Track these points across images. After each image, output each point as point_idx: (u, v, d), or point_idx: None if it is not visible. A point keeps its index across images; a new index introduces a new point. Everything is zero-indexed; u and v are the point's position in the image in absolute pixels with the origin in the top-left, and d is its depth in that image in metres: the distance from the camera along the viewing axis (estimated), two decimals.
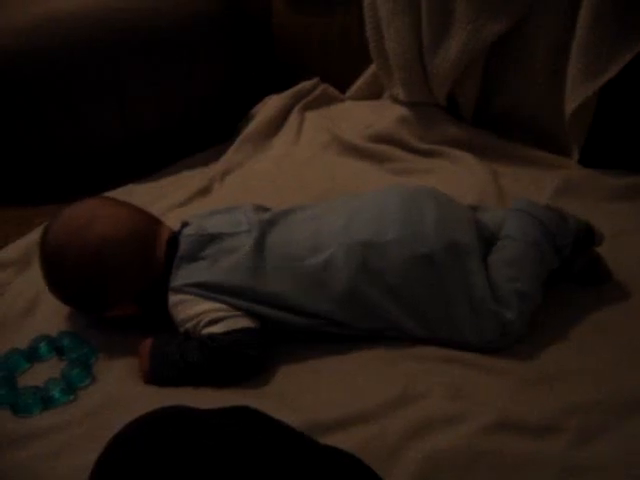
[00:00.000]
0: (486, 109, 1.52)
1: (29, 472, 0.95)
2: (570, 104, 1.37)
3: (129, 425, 0.80)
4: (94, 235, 1.08)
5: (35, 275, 1.22)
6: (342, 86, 1.69)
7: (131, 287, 1.09)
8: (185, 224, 1.14)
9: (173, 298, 1.07)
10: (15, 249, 1.35)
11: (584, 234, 1.13)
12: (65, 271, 1.10)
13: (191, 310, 1.05)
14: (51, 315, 1.17)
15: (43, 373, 1.09)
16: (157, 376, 1.04)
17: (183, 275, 1.07)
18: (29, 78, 1.50)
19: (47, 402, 1.04)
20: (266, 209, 1.18)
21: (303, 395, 0.99)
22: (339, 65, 1.68)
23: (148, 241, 1.11)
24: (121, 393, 1.03)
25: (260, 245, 1.08)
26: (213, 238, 1.09)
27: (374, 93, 1.63)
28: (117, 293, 1.09)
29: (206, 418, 0.81)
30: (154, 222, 1.15)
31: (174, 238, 1.12)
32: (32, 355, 1.12)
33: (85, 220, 1.10)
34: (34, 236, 1.32)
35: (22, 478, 0.94)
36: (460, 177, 1.39)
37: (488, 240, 1.10)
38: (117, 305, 1.10)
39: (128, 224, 1.11)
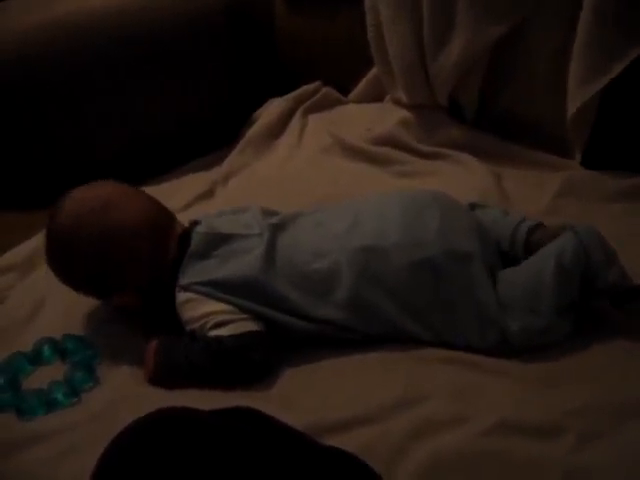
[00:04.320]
0: (488, 111, 1.52)
1: (33, 474, 0.95)
2: (572, 105, 1.37)
3: (129, 427, 0.81)
4: (111, 219, 1.08)
5: (39, 279, 1.23)
6: (344, 89, 1.69)
7: (138, 276, 1.09)
8: (195, 222, 1.14)
9: (180, 296, 1.07)
10: (19, 253, 1.35)
11: (624, 289, 1.05)
12: (75, 251, 1.09)
13: (198, 311, 1.05)
14: (55, 318, 1.17)
15: (47, 376, 1.10)
16: (162, 377, 1.04)
17: (192, 272, 1.08)
18: (33, 83, 1.51)
19: (51, 405, 1.05)
20: (272, 212, 1.18)
21: (307, 397, 1.00)
22: (341, 68, 1.68)
23: (162, 233, 1.11)
24: (125, 395, 1.04)
25: (271, 249, 1.08)
26: (225, 238, 1.10)
27: (376, 96, 1.63)
28: (123, 279, 1.09)
29: (207, 419, 0.81)
30: (169, 215, 1.15)
31: (186, 234, 1.11)
32: (36, 358, 1.12)
33: (101, 203, 1.10)
34: (38, 240, 1.32)
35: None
36: (462, 179, 1.39)
37: (491, 244, 1.10)
38: (121, 292, 1.10)
39: (145, 213, 1.11)
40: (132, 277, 1.09)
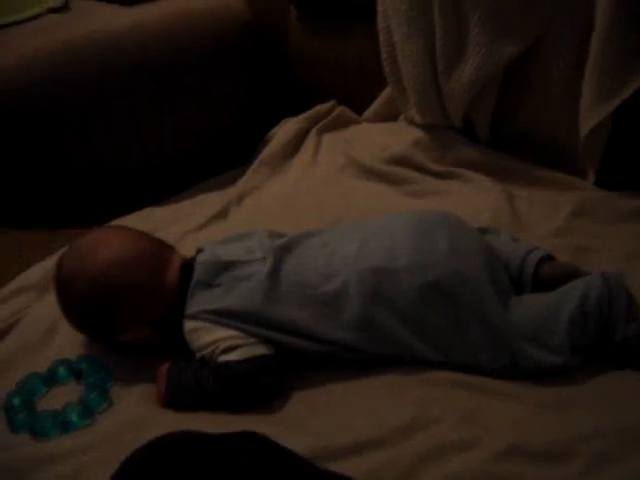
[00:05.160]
0: (502, 130, 1.52)
1: None
2: (585, 126, 1.37)
3: (138, 450, 0.81)
4: (99, 260, 1.10)
5: (54, 299, 1.24)
6: (359, 108, 1.69)
7: (141, 312, 1.10)
8: (199, 250, 1.16)
9: (188, 324, 1.08)
10: (35, 273, 1.36)
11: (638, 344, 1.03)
12: (73, 297, 1.12)
13: (207, 337, 1.06)
14: (70, 339, 1.18)
15: (61, 397, 1.11)
16: (173, 401, 1.05)
17: (198, 302, 1.08)
18: (47, 104, 1.52)
19: (65, 426, 1.05)
20: (280, 235, 1.18)
21: (315, 420, 1.00)
22: (355, 88, 1.69)
23: (157, 266, 1.12)
24: (138, 417, 1.04)
25: (274, 272, 1.08)
26: (227, 266, 1.10)
27: (390, 115, 1.64)
28: (125, 317, 1.10)
29: (214, 443, 0.82)
30: (165, 248, 1.16)
31: (188, 265, 1.13)
32: (51, 379, 1.13)
33: (92, 247, 1.13)
34: (54, 260, 1.33)
35: None
36: (475, 199, 1.39)
37: (500, 268, 1.10)
38: (128, 330, 1.11)
39: (134, 249, 1.12)
40: (136, 312, 1.10)
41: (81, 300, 1.11)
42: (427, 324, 1.04)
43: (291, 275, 1.08)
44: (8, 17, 1.62)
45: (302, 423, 0.99)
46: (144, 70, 1.57)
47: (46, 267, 1.36)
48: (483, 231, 1.19)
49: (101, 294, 1.09)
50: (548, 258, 1.14)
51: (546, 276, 1.12)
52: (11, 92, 1.51)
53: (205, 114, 1.63)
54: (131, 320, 1.10)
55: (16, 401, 1.09)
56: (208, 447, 0.81)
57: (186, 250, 1.20)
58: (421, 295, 1.04)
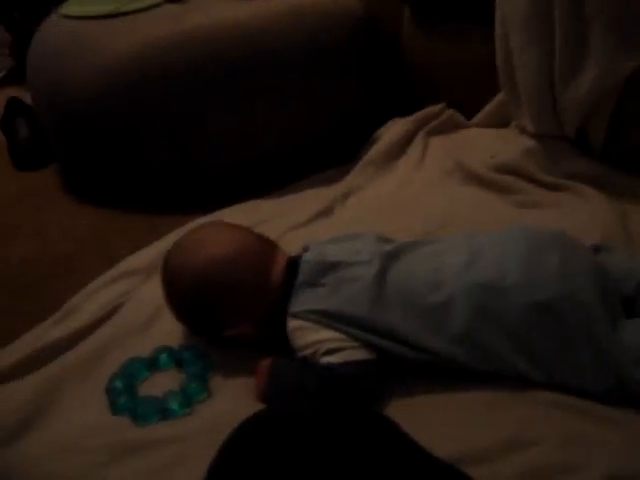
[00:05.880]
0: (618, 143, 1.47)
1: None
2: None
3: (248, 419, 0.84)
4: (203, 256, 1.12)
5: (159, 285, 1.27)
6: (468, 113, 1.68)
7: (245, 308, 1.11)
8: (306, 249, 1.16)
9: (292, 323, 1.08)
10: (143, 256, 1.40)
11: None
12: (178, 292, 1.14)
13: (310, 338, 1.06)
14: (173, 327, 1.20)
15: (162, 383, 1.13)
16: (272, 398, 1.06)
17: (302, 301, 1.09)
18: (164, 95, 1.56)
19: (165, 413, 1.07)
20: (387, 240, 1.17)
21: (415, 428, 0.97)
22: (467, 91, 1.67)
23: (263, 264, 1.13)
24: (236, 410, 1.03)
25: (381, 277, 1.08)
26: (333, 266, 1.10)
27: (501, 121, 1.62)
28: (229, 313, 1.11)
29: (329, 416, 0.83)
30: (270, 245, 1.17)
31: (294, 263, 1.13)
32: (153, 364, 1.16)
33: (198, 243, 1.15)
34: (162, 245, 1.37)
35: None
36: (585, 215, 1.35)
37: (612, 289, 1.07)
38: (233, 326, 1.12)
39: (238, 246, 1.13)
40: (240, 308, 1.11)
41: (185, 296, 1.13)
42: (532, 343, 1.02)
43: (398, 282, 1.08)
44: (130, 5, 1.66)
45: None
46: (255, 64, 1.58)
47: (153, 251, 1.40)
48: (597, 249, 1.15)
49: (204, 291, 1.11)
50: None
51: None
52: (127, 80, 1.55)
53: (314, 110, 1.64)
54: (234, 317, 1.11)
55: (118, 384, 1.12)
56: (308, 424, 0.82)
57: (289, 245, 1.21)
58: (528, 314, 1.02)
